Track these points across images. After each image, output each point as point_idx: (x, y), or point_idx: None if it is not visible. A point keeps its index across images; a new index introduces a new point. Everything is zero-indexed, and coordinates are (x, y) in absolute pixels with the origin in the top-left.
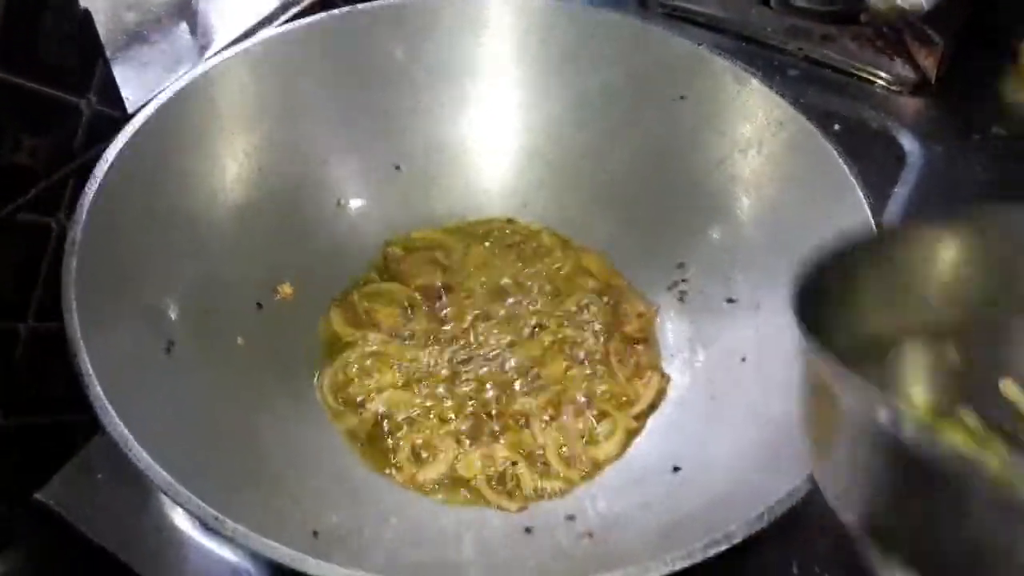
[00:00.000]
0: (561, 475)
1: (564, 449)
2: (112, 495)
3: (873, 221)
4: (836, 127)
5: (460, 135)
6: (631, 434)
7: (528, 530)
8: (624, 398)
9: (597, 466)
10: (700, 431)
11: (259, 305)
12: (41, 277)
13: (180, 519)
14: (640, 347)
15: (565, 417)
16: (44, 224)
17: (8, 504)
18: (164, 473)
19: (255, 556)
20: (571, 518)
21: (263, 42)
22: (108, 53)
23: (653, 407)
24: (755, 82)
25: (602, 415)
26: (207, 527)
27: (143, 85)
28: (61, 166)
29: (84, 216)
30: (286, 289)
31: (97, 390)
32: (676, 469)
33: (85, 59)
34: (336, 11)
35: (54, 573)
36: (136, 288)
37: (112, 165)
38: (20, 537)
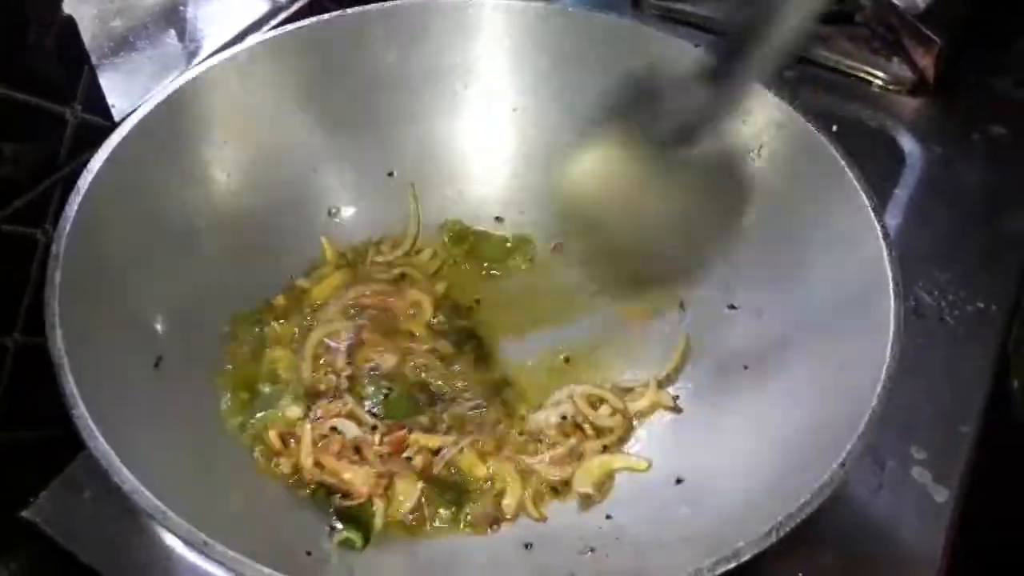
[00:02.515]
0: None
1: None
2: (99, 513)
3: (877, 223)
4: (834, 128)
5: (454, 141)
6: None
7: (527, 546)
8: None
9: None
10: (702, 440)
11: None
12: (28, 290)
13: (169, 537)
14: None
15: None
16: (30, 235)
17: None
18: (150, 496)
19: None
20: (573, 533)
21: (250, 48)
22: (94, 60)
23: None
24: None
25: None
26: (197, 551)
27: (131, 92)
28: (46, 176)
29: (68, 228)
30: (280, 301)
31: (81, 409)
32: (679, 481)
33: (69, 67)
34: (326, 16)
35: None
36: (123, 302)
37: (96, 176)
38: (6, 556)
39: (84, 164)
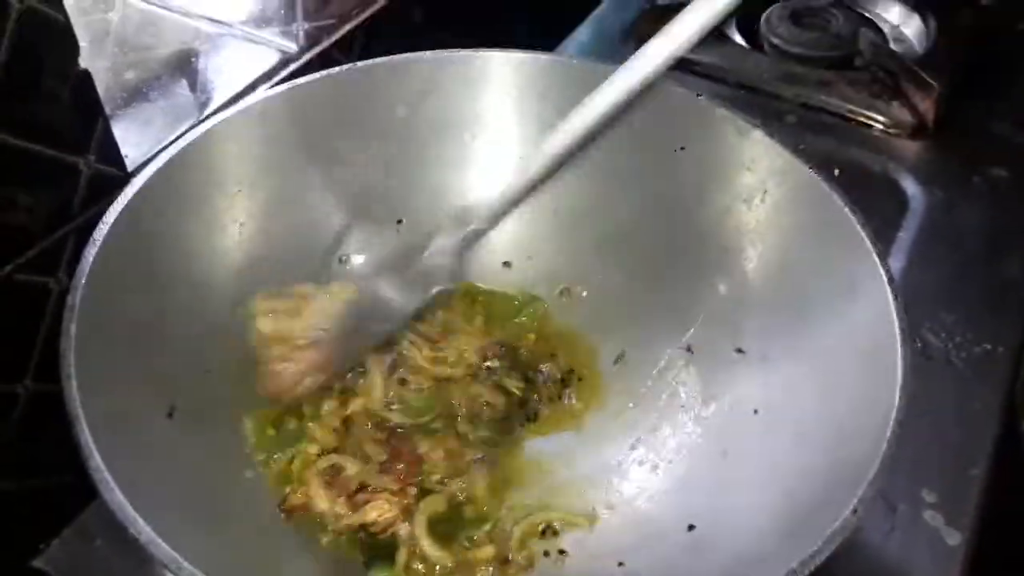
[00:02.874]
0: None
1: None
2: (111, 562)
3: (882, 270)
4: (836, 172)
5: (462, 189)
6: None
7: None
8: None
9: None
10: (714, 487)
11: None
12: (40, 338)
13: None
14: None
15: None
16: (42, 284)
17: (5, 571)
18: (167, 547)
19: None
20: None
21: (263, 101)
22: (107, 111)
23: None
24: (756, 132)
25: None
26: None
27: (143, 142)
28: (60, 226)
29: (83, 281)
30: None
31: (97, 460)
32: (691, 528)
33: (84, 119)
34: (337, 69)
35: None
36: (137, 352)
37: (112, 228)
38: None
39: (98, 214)
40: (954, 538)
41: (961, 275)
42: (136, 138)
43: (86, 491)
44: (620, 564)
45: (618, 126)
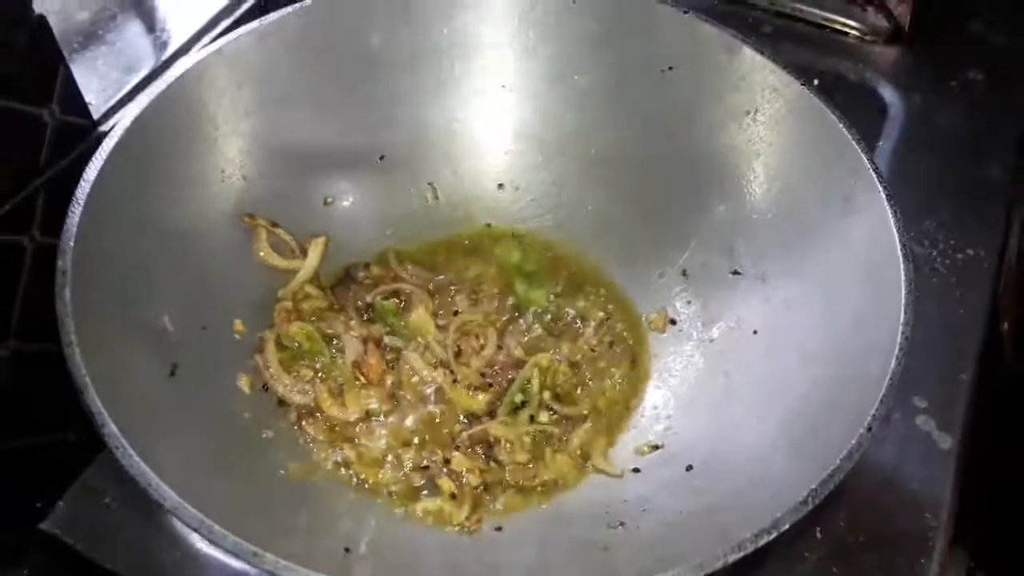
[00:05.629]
0: None
1: None
2: (121, 517)
3: (877, 179)
4: (815, 82)
5: (444, 120)
6: None
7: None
8: None
9: None
10: (718, 408)
11: None
12: (18, 297)
13: (194, 536)
14: None
15: None
16: (15, 243)
17: (15, 533)
18: (194, 511)
19: None
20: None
21: (235, 40)
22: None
23: None
24: (746, 49)
25: None
26: (245, 561)
27: (104, 88)
28: (29, 181)
29: (71, 243)
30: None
31: (112, 428)
32: (689, 468)
33: (44, 67)
34: (307, 2)
35: None
36: (134, 311)
37: (94, 186)
38: (30, 568)
39: (68, 167)
40: (946, 442)
41: (942, 181)
42: (96, 84)
43: (86, 447)
44: (624, 501)
45: (601, 47)
